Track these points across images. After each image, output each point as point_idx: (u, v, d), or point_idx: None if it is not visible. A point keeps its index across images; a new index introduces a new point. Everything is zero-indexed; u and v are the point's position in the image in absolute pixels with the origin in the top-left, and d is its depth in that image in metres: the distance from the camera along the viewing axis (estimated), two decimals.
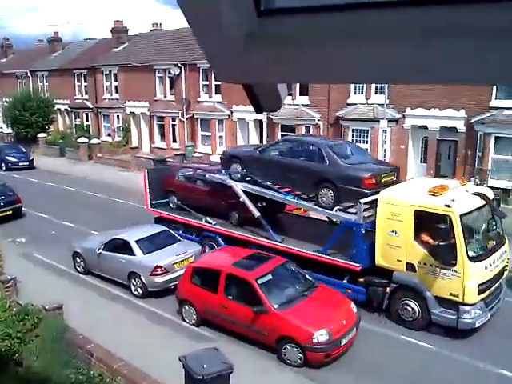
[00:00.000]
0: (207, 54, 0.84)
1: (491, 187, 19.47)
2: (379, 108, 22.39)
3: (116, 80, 35.89)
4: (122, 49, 36.91)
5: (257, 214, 13.14)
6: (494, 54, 0.65)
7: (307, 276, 11.13)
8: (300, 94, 26.40)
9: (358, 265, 11.18)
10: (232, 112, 28.57)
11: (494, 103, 20.42)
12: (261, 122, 27.65)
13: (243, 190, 13.44)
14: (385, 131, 22.26)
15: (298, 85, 26.11)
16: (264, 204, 13.57)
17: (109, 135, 37.10)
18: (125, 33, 38.01)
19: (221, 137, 29.98)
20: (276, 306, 9.76)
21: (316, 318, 9.67)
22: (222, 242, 14.05)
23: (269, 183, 13.42)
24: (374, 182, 11.55)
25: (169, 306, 11.90)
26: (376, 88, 23.59)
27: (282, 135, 26.79)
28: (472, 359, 9.59)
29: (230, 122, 29.34)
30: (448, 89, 20.05)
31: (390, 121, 22.15)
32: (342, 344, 9.55)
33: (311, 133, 25.82)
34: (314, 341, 9.23)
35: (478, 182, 20.09)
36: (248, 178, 13.80)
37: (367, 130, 23.35)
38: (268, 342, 9.87)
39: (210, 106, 29.97)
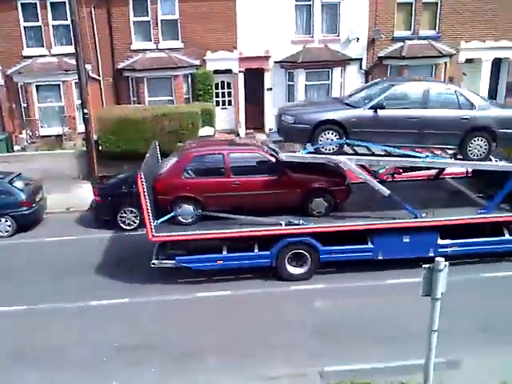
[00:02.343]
0: None
1: (43, 136, 19.95)
2: None
3: None
4: None
5: (387, 192, 10.82)
6: None
7: None
8: None
9: None
10: None
11: (26, 52, 20.27)
12: None
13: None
14: None
15: None
16: None
17: None
18: None
19: None
20: None
21: None
22: (319, 246, 10.77)
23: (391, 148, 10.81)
24: None
25: None
26: None
27: None
28: None
29: None
30: None
31: None
32: None
33: None
34: None
35: (31, 134, 20.08)
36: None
37: None
38: None
39: None
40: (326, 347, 8.67)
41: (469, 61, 22.62)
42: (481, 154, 10.88)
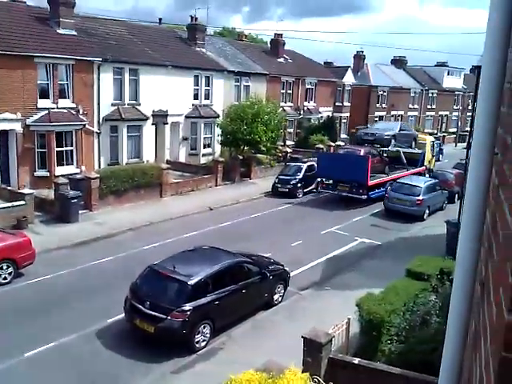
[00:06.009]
0: None
1: None
2: None
3: None
4: None
5: (404, 161, 29.09)
6: None
7: None
8: None
9: None
10: None
11: None
12: None
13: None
14: None
15: None
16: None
17: None
18: None
19: None
20: None
21: None
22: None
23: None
24: None
25: None
26: None
27: None
28: None
29: None
30: None
31: None
32: None
33: None
34: None
35: None
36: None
37: None
38: None
39: None
40: None
41: None
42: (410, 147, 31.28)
